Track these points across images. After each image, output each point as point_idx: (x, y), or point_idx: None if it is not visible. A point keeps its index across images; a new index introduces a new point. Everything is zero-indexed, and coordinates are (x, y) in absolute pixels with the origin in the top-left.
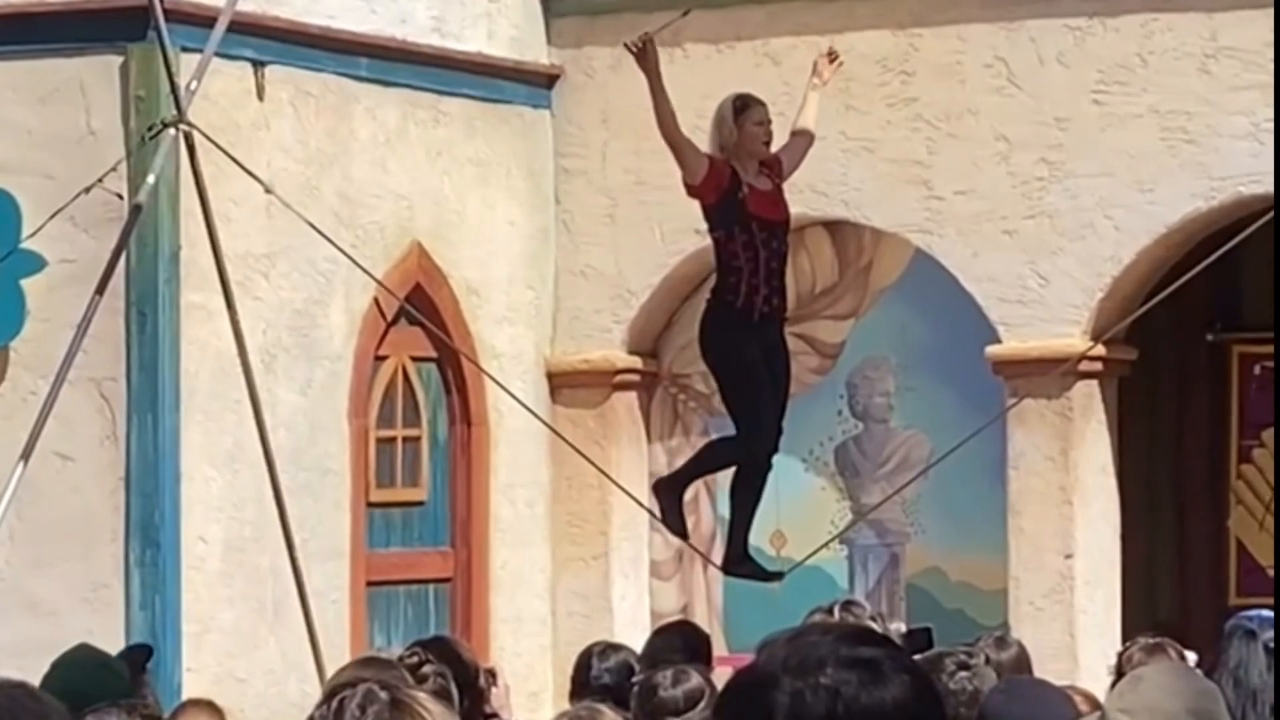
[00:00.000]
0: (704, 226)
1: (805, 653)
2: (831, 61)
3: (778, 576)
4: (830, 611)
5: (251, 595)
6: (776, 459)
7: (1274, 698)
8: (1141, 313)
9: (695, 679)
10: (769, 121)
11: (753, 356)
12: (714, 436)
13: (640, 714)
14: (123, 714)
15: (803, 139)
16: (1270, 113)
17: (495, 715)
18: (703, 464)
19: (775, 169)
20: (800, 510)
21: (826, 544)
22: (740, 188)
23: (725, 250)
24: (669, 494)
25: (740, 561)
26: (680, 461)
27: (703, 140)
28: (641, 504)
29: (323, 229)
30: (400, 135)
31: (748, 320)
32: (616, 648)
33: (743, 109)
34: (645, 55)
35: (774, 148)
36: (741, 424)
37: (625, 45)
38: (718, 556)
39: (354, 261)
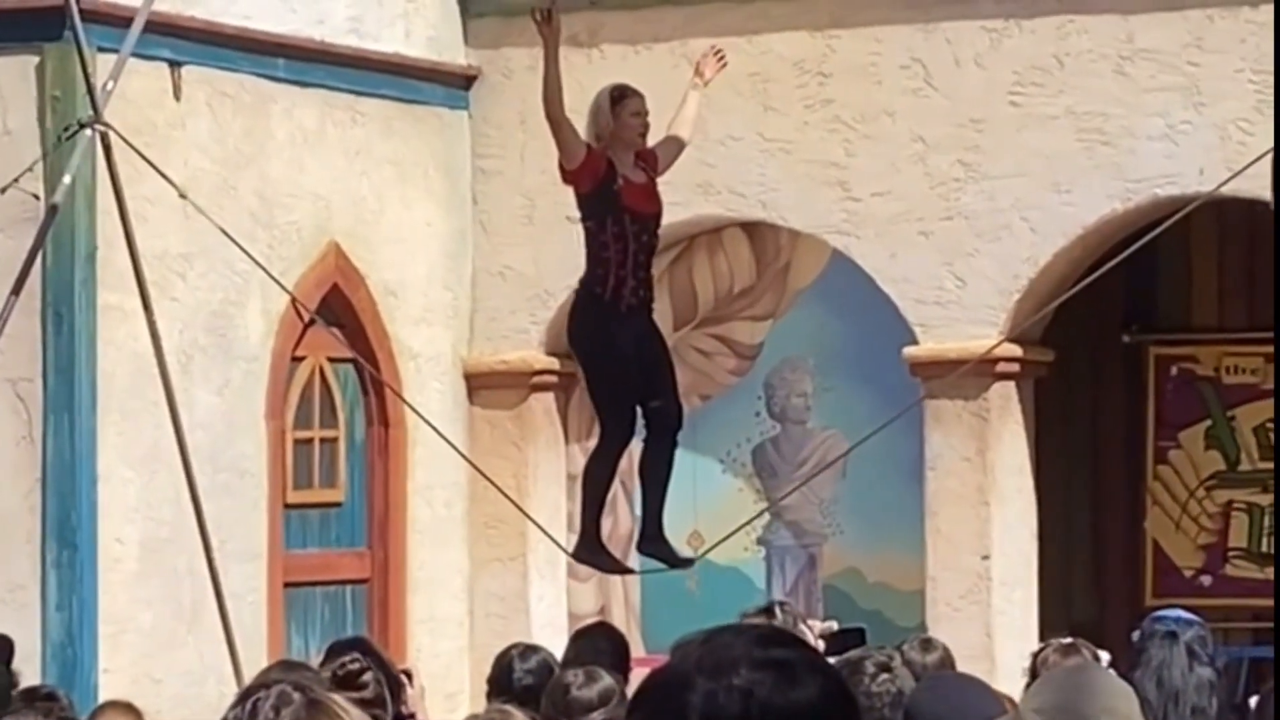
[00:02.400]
0: None
1: (719, 654)
2: (717, 61)
3: (688, 563)
4: (765, 615)
5: (169, 596)
6: (693, 460)
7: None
8: (1052, 309)
9: (606, 679)
10: (646, 113)
11: (621, 348)
12: (586, 462)
13: (553, 715)
14: (39, 716)
15: (674, 144)
16: (1186, 114)
17: (411, 716)
18: (591, 496)
19: (651, 162)
20: (717, 511)
21: (736, 530)
22: (615, 179)
23: (596, 240)
24: (588, 551)
25: (654, 540)
26: None
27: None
28: (525, 511)
29: (239, 229)
30: (318, 135)
31: (615, 311)
32: (535, 648)
33: (620, 99)
34: (549, 23)
35: (652, 141)
36: (605, 417)
37: (530, 13)
38: (634, 560)
39: (267, 273)
